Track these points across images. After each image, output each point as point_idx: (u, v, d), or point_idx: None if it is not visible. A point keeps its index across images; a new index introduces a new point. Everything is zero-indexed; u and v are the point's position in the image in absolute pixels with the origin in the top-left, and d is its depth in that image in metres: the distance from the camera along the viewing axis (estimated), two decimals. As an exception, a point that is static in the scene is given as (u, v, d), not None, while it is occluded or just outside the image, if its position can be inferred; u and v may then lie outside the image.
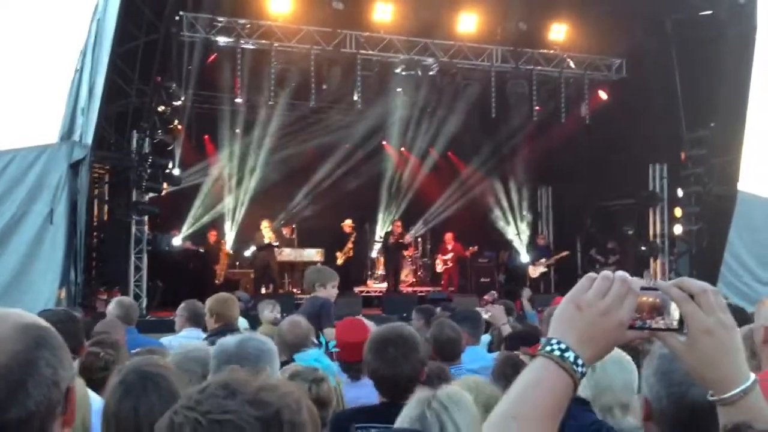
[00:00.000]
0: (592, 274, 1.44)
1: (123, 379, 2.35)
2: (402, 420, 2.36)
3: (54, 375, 1.45)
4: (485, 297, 13.96)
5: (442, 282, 18.49)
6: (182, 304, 6.61)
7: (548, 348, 1.38)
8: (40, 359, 1.44)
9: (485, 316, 7.82)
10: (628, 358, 2.88)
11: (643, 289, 1.42)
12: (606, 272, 1.43)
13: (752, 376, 1.43)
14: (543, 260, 18.48)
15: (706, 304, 1.41)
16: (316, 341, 4.57)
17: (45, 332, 1.50)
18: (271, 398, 1.36)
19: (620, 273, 1.43)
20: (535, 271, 18.34)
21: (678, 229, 17.20)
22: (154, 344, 5.59)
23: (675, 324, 1.41)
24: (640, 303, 1.41)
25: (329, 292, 7.05)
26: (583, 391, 2.77)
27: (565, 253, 18.82)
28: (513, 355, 4.67)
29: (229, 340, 3.18)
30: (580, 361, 1.37)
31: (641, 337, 1.46)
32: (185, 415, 1.35)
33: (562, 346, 1.38)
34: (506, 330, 6.98)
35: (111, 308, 6.48)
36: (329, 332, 6.65)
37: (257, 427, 1.33)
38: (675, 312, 1.41)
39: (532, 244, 19.46)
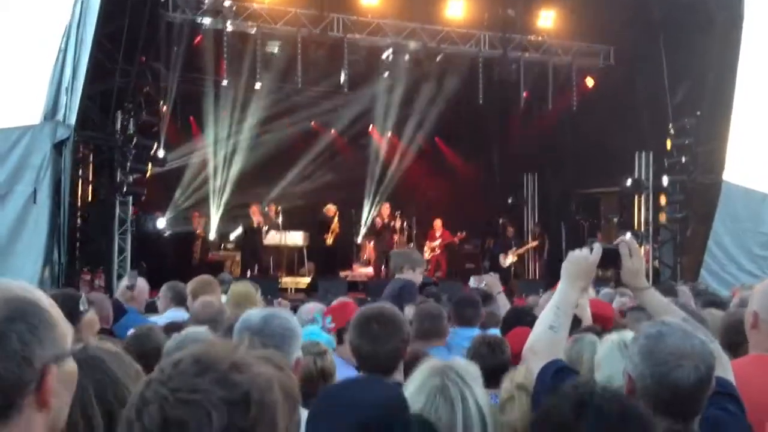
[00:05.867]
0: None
1: None
2: (420, 389, 2.26)
3: (25, 350, 1.44)
4: (469, 282, 13.97)
5: (430, 267, 18.48)
6: (165, 286, 6.61)
7: None
8: (11, 333, 1.43)
9: (480, 285, 7.81)
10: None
11: (604, 249, 2.87)
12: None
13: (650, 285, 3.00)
14: (513, 249, 18.58)
15: (634, 253, 2.89)
16: (320, 319, 4.58)
17: (28, 307, 1.48)
18: (240, 379, 1.37)
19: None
20: (505, 261, 18.39)
21: (663, 218, 17.26)
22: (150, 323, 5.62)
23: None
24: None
25: (415, 276, 7.11)
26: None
27: (534, 243, 19.01)
28: (488, 335, 4.64)
29: (253, 315, 3.13)
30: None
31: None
32: (155, 390, 1.36)
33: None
34: (502, 300, 6.95)
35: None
36: (408, 310, 6.65)
37: (223, 410, 1.33)
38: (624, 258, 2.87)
39: (501, 235, 19.51)
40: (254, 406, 1.36)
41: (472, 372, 2.36)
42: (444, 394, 2.24)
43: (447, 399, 2.23)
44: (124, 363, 2.37)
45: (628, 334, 2.86)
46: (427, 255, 18.64)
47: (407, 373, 2.98)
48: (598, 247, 2.84)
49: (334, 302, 5.02)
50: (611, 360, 2.80)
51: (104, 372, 2.27)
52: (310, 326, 4.27)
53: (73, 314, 3.94)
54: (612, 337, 2.92)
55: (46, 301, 1.55)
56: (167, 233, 17.19)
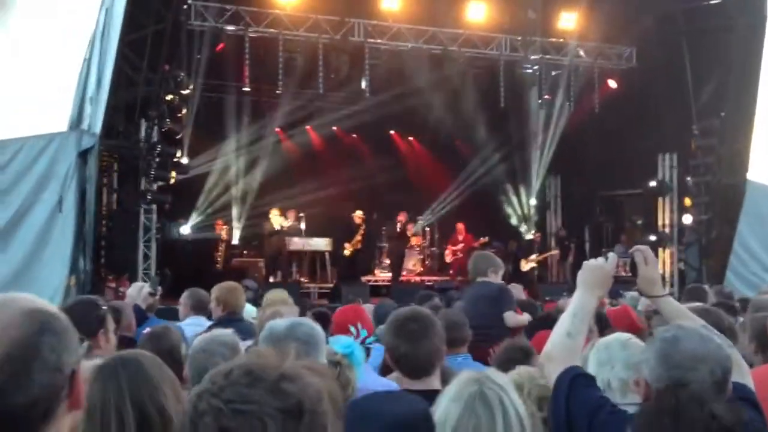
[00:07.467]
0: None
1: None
2: (457, 396, 2.27)
3: (58, 360, 1.49)
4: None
5: (451, 272, 18.45)
6: (186, 293, 6.60)
7: None
8: (44, 345, 1.48)
9: None
10: (635, 340, 2.92)
11: (620, 257, 2.91)
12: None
13: (666, 292, 2.98)
14: (534, 256, 18.67)
15: (649, 261, 2.86)
16: (354, 331, 4.52)
17: (50, 317, 1.53)
18: (292, 389, 1.38)
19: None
20: (525, 265, 18.44)
21: (687, 219, 17.11)
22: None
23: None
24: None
25: (497, 280, 6.97)
26: (586, 365, 2.84)
27: (555, 252, 19.01)
28: (517, 340, 4.63)
29: (279, 324, 3.17)
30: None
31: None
32: (208, 402, 1.37)
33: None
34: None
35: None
36: (511, 316, 6.59)
37: (278, 419, 1.35)
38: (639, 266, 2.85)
39: (528, 240, 19.58)
40: (307, 415, 1.37)
41: (506, 380, 2.38)
42: (483, 399, 2.26)
43: (486, 404, 2.25)
44: (161, 368, 2.44)
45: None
46: (449, 259, 18.66)
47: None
48: (613, 256, 2.86)
49: (338, 309, 5.02)
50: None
51: (142, 374, 2.35)
52: (347, 339, 4.24)
53: (98, 318, 3.99)
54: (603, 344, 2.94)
55: (55, 309, 1.60)
56: (191, 240, 17.30)
